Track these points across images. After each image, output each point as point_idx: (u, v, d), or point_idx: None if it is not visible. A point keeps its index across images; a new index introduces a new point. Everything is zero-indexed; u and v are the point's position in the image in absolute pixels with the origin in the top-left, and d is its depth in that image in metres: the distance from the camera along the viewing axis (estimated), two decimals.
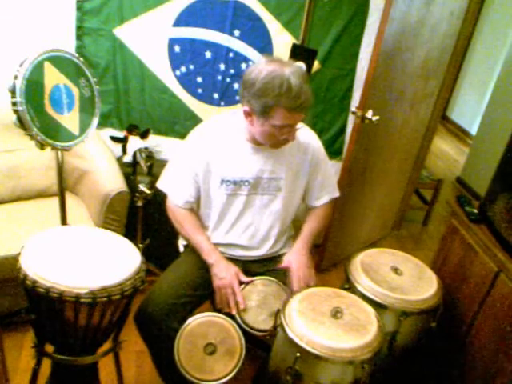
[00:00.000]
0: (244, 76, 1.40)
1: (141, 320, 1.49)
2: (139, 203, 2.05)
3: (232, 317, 1.46)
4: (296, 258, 1.58)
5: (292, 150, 1.57)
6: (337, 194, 1.73)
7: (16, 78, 1.38)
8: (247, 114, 1.44)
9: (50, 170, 2.18)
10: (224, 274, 1.50)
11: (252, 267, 1.65)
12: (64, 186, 1.70)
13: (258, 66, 1.37)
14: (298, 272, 1.55)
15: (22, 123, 1.42)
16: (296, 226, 1.77)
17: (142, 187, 2.01)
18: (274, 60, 1.38)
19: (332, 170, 1.73)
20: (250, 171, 1.53)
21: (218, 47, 2.30)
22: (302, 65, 2.02)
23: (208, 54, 2.31)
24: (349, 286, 1.55)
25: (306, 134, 1.61)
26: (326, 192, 1.69)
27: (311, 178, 1.64)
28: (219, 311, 1.47)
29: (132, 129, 2.27)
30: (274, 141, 1.45)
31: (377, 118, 2.13)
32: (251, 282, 1.54)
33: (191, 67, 2.34)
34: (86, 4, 2.15)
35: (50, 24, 2.17)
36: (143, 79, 2.34)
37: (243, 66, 2.34)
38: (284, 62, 1.38)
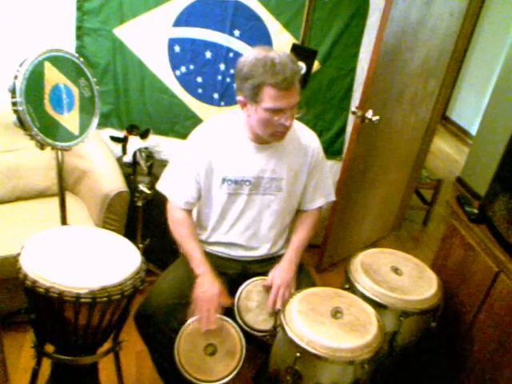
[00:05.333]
0: (236, 66, 1.42)
1: (141, 320, 1.49)
2: (139, 203, 2.05)
3: (232, 317, 1.46)
4: (280, 276, 1.54)
5: (293, 151, 1.57)
6: (333, 197, 1.71)
7: (16, 77, 1.38)
8: (242, 104, 1.44)
9: (50, 170, 2.18)
10: (206, 288, 1.45)
11: (252, 267, 1.65)
12: (64, 186, 1.70)
13: (246, 54, 1.41)
14: (277, 292, 1.52)
15: (22, 123, 1.42)
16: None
17: (142, 187, 2.01)
18: (261, 47, 1.41)
19: (329, 173, 1.71)
20: (251, 171, 1.53)
21: (218, 47, 2.30)
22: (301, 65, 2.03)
23: (208, 54, 2.31)
24: (349, 286, 1.55)
25: (307, 135, 1.61)
26: (321, 195, 1.67)
27: (307, 179, 1.63)
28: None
29: (132, 129, 2.27)
30: (272, 129, 1.43)
31: (377, 118, 2.13)
32: (232, 303, 1.49)
33: (191, 67, 2.34)
34: (86, 4, 2.15)
35: (50, 24, 2.17)
36: (143, 79, 2.34)
37: None
38: (271, 49, 1.40)
